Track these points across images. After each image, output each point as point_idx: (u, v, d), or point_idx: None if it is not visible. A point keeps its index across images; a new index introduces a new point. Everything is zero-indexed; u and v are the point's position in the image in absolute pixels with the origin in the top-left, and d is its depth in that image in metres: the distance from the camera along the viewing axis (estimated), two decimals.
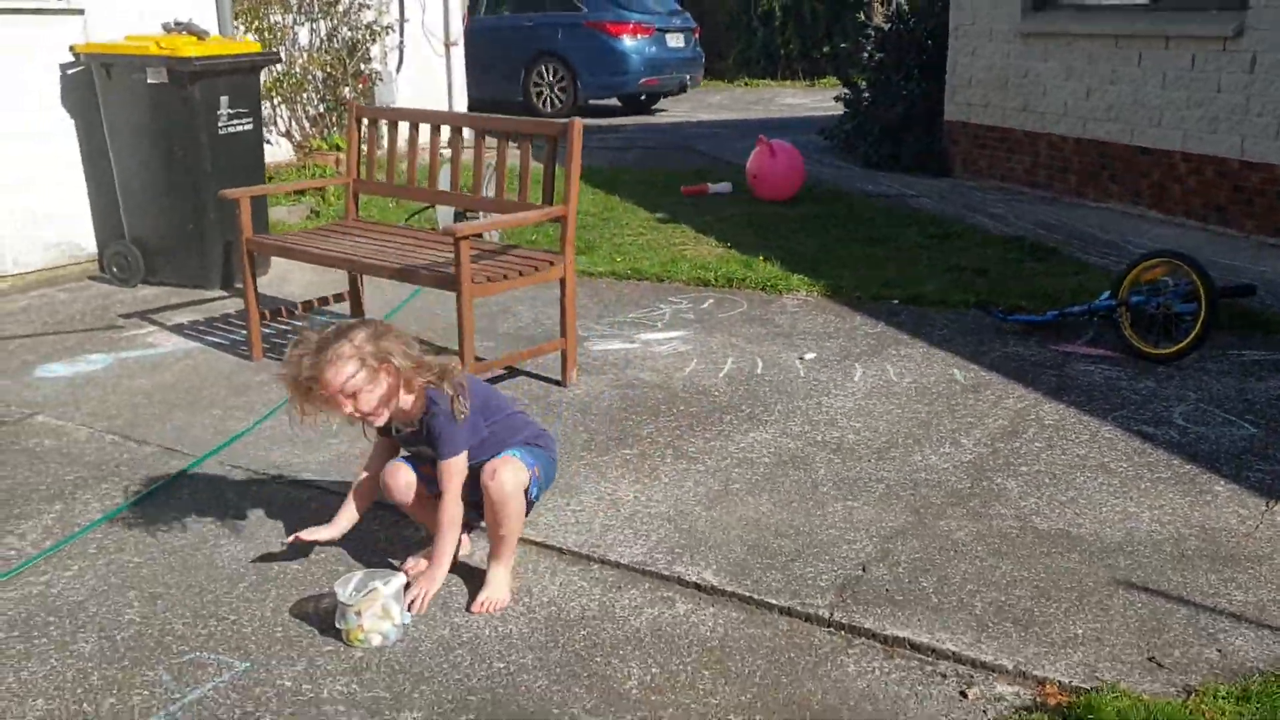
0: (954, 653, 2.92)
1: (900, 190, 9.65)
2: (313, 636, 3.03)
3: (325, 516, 3.38)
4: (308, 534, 3.30)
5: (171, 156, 6.30)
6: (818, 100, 17.10)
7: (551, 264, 4.76)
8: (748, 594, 3.20)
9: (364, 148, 5.47)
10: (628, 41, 14.85)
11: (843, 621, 3.06)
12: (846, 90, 12.46)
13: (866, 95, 11.88)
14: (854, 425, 4.44)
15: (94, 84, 6.40)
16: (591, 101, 15.41)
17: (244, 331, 5.64)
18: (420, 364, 3.14)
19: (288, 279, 6.71)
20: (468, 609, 3.17)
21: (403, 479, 3.27)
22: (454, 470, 3.17)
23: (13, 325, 5.88)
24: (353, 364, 3.02)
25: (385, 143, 5.62)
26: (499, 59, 15.02)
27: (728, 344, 5.48)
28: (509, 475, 3.13)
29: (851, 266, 6.81)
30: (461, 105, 11.77)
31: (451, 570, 3.38)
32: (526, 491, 3.21)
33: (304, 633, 3.05)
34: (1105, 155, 8.56)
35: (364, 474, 3.37)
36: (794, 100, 17.57)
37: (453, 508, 3.18)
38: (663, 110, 16.09)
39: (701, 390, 4.86)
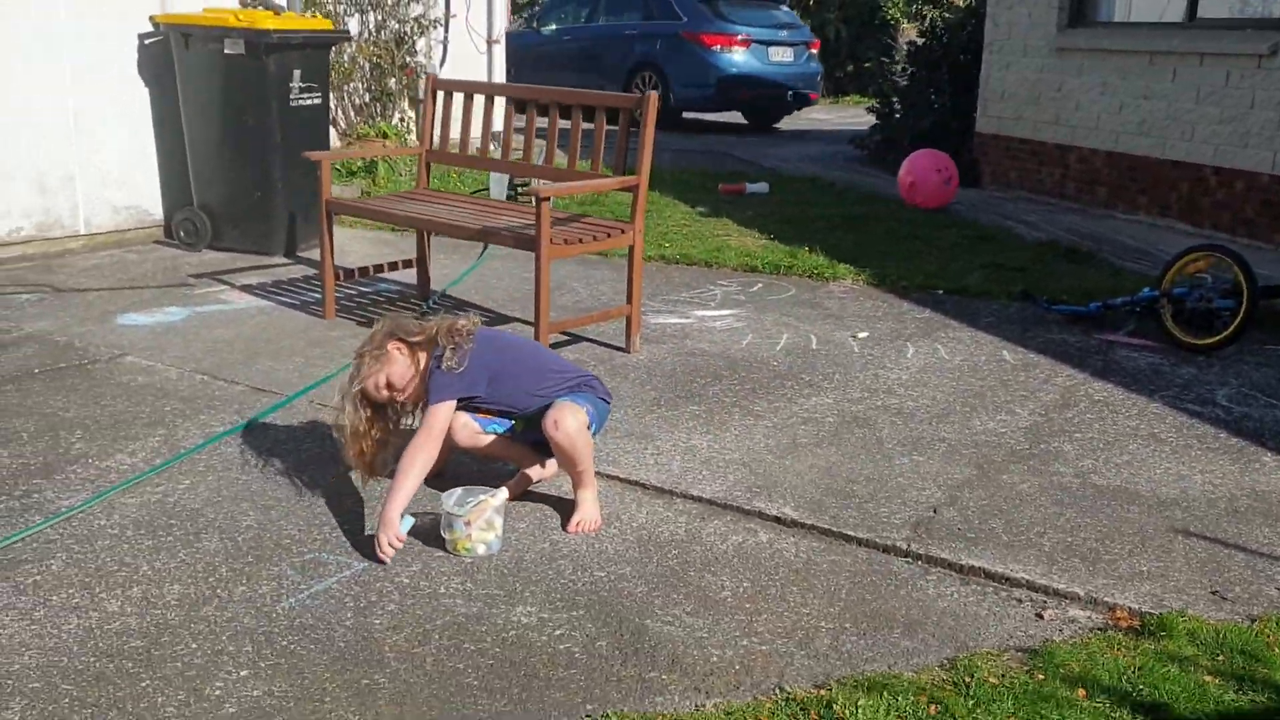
0: (1028, 581, 3.10)
1: None
2: (421, 545, 3.22)
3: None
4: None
5: (243, 126, 6.52)
6: (841, 116, 17.41)
7: (623, 231, 4.96)
8: (827, 526, 3.39)
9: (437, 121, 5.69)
10: (720, 53, 14.46)
11: (919, 552, 3.25)
12: (876, 103, 12.73)
13: (898, 108, 12.14)
14: (911, 394, 4.64)
15: (170, 53, 6.63)
16: (686, 114, 15.05)
17: (313, 294, 5.86)
18: (422, 329, 3.41)
19: (345, 251, 6.89)
20: (564, 529, 3.36)
21: (460, 421, 3.42)
22: (434, 415, 3.30)
23: (89, 280, 6.08)
24: (365, 364, 3.34)
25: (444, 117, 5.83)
26: (603, 65, 14.96)
27: (780, 322, 5.68)
28: (570, 420, 3.31)
29: (894, 260, 7.01)
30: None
31: (540, 498, 3.58)
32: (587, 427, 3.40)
33: (413, 542, 3.23)
34: (1136, 168, 8.78)
35: None
36: (819, 115, 17.81)
37: (416, 452, 3.24)
38: (779, 128, 15.96)
39: (760, 360, 5.05)
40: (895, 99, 12.26)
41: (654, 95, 4.88)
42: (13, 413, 4.14)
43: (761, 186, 9.80)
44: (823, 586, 3.06)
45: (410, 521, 3.20)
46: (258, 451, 3.84)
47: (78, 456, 3.75)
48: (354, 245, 7.01)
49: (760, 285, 6.46)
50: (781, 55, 15.18)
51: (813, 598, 3.00)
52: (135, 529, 3.26)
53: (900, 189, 9.33)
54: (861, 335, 5.46)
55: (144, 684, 2.53)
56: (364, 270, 5.80)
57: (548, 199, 4.57)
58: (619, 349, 5.17)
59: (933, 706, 2.51)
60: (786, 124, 16.08)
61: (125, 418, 4.12)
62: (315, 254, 6.78)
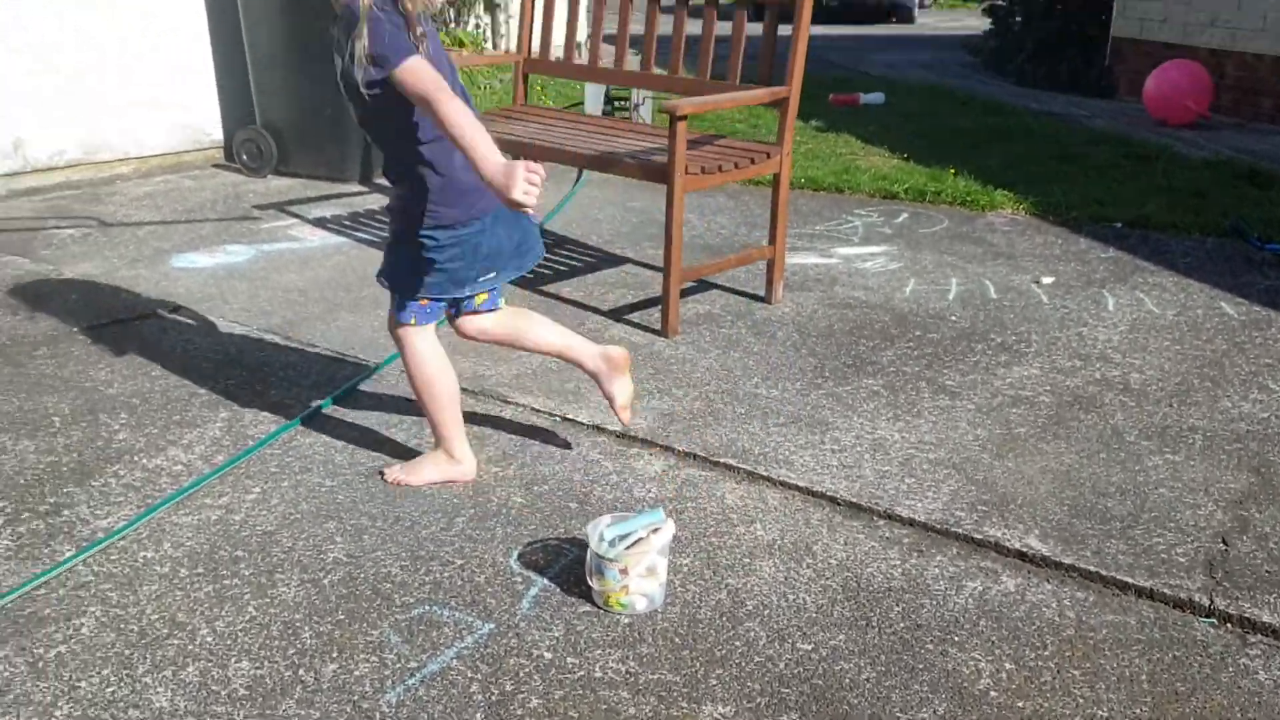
0: None
1: (1068, 109, 8.83)
2: (561, 595, 2.44)
3: (522, 434, 2.97)
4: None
5: (311, 36, 5.67)
6: (942, 19, 16.17)
7: (768, 155, 4.09)
8: (1092, 569, 2.56)
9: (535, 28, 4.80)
10: None
11: (1229, 611, 2.41)
12: (991, 2, 11.59)
13: (1018, 12, 11.01)
14: (1132, 362, 3.76)
15: None
16: None
17: None
18: None
19: None
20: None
21: (474, 328, 2.93)
22: (413, 69, 2.37)
23: (140, 211, 5.33)
24: None
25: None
26: None
27: (943, 263, 4.80)
28: None
29: (1053, 184, 6.06)
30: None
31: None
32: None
33: (549, 590, 2.46)
34: None
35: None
36: (924, 19, 16.57)
37: (449, 107, 2.35)
38: (873, 32, 14.73)
39: (934, 314, 4.19)
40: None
41: None
42: (46, 387, 3.41)
43: (877, 96, 8.82)
44: (1113, 670, 2.25)
45: None
46: (340, 443, 3.08)
47: (120, 452, 3.01)
48: None
49: (906, 215, 5.56)
50: None
51: (1104, 689, 2.19)
52: (191, 565, 2.52)
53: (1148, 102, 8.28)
54: (1046, 281, 4.57)
55: None
56: None
57: (684, 117, 3.71)
58: (758, 299, 4.34)
59: None
60: (887, 30, 14.91)
61: (179, 395, 3.37)
62: None
